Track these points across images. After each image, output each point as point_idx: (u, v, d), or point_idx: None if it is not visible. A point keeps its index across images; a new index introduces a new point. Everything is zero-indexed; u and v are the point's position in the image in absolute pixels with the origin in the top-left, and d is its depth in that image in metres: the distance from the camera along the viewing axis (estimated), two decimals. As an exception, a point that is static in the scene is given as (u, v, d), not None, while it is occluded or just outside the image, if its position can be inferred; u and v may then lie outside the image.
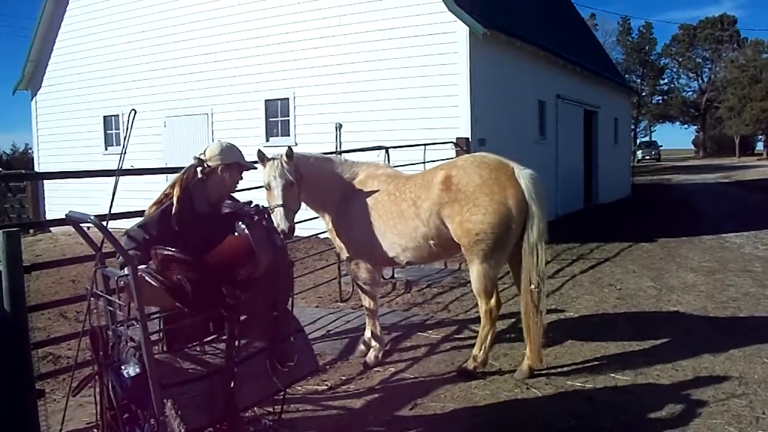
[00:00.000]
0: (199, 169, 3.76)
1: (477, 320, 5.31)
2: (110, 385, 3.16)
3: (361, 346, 5.89)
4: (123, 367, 3.13)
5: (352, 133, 12.27)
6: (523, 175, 5.00)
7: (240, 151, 3.92)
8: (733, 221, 14.72)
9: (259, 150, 5.03)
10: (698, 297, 7.78)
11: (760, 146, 67.47)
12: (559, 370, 5.36)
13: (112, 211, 3.44)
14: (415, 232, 5.19)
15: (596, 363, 5.50)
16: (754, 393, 4.80)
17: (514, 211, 4.92)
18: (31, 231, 15.64)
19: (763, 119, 55.26)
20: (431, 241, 5.19)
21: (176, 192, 3.66)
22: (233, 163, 3.82)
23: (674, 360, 5.49)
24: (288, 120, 13.45)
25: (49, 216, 16.74)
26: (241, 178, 3.96)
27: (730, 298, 7.68)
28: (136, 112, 3.52)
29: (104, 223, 3.19)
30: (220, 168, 3.77)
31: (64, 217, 3.47)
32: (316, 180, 5.32)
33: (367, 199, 5.38)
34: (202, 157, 3.78)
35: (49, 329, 7.04)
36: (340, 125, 9.20)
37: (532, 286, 4.98)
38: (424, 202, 5.13)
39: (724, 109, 60.13)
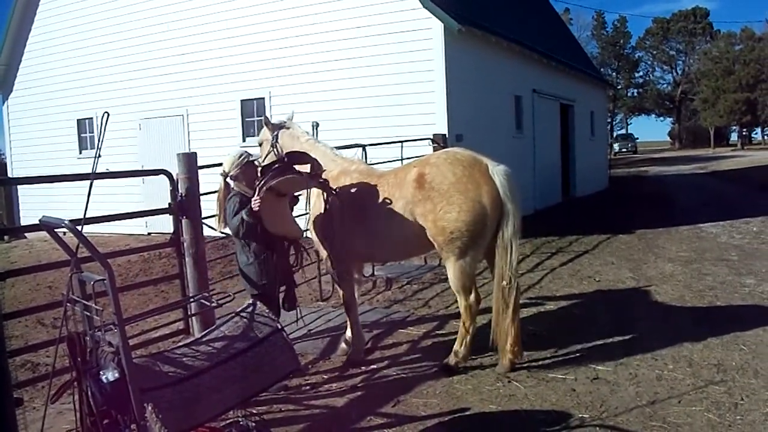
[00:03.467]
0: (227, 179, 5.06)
1: (458, 316, 5.33)
2: (89, 391, 3.12)
3: (343, 345, 5.89)
4: (102, 372, 3.10)
5: (329, 132, 12.20)
6: (497, 171, 4.99)
7: (247, 152, 5.16)
8: (709, 211, 14.90)
9: (264, 116, 6.04)
10: (676, 287, 7.87)
11: (734, 137, 68.44)
12: (540, 362, 5.40)
13: (87, 215, 3.41)
14: (389, 232, 5.18)
15: (577, 354, 5.55)
16: (732, 380, 4.87)
17: (488, 208, 4.91)
18: (6, 237, 15.41)
19: (736, 110, 56.09)
20: (406, 241, 5.19)
21: (222, 195, 5.07)
22: (247, 162, 5.09)
23: (653, 349, 5.56)
24: (265, 119, 13.35)
25: (24, 222, 16.49)
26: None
27: (707, 287, 7.79)
28: (108, 114, 3.47)
29: (79, 227, 3.15)
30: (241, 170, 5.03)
31: (37, 222, 3.43)
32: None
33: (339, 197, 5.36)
34: (225, 170, 5.04)
35: (27, 336, 6.94)
36: (317, 124, 9.18)
37: (504, 282, 5.00)
38: (397, 202, 5.10)
39: (699, 101, 60.89)
